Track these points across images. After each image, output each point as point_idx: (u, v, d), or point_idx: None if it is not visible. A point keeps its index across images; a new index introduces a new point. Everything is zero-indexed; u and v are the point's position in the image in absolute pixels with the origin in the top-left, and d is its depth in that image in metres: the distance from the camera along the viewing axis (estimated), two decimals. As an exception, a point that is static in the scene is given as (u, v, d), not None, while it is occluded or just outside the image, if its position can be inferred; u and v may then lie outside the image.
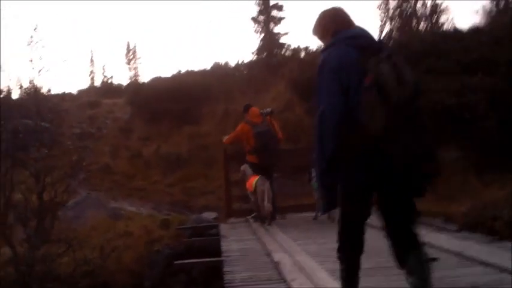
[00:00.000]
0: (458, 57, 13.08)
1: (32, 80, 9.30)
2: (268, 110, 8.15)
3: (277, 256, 5.01)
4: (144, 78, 39.89)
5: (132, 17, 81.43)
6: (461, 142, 10.59)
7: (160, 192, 13.05)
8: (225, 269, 4.88)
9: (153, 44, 77.74)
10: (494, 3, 21.56)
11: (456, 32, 16.20)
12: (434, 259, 4.26)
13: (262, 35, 23.32)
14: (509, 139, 9.93)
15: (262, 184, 7.37)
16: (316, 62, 2.94)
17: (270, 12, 23.38)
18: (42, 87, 13.52)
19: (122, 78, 50.92)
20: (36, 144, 7.79)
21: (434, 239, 5.28)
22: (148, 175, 14.26)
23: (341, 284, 2.98)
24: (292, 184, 10.03)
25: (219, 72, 21.68)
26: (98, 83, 41.25)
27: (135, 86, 26.67)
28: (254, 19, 23.51)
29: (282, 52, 23.19)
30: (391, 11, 23.93)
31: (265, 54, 22.67)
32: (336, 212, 2.91)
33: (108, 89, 29.58)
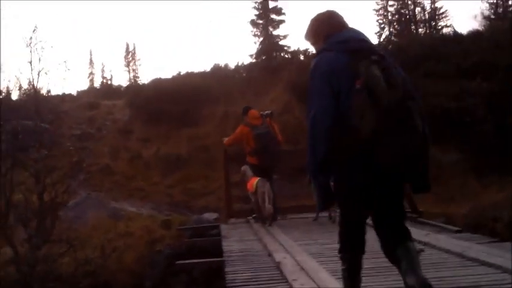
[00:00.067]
0: (458, 61, 13.16)
1: (32, 81, 9.32)
2: (268, 111, 8.17)
3: (279, 256, 5.01)
4: (144, 79, 39.87)
5: (132, 18, 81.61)
6: (460, 145, 10.67)
7: (161, 193, 13.02)
8: (227, 269, 4.88)
9: (153, 46, 77.67)
10: (492, 10, 21.74)
11: (456, 36, 16.27)
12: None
13: (261, 39, 23.35)
14: (507, 142, 10.01)
15: (262, 186, 7.38)
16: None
17: (268, 16, 23.38)
18: (41, 88, 13.57)
19: (121, 80, 50.91)
20: (36, 145, 7.81)
21: (435, 239, 5.33)
22: (148, 176, 14.24)
23: (343, 284, 3.02)
24: (292, 185, 10.06)
25: (219, 74, 21.72)
26: (97, 84, 41.33)
27: (134, 88, 26.69)
28: (253, 22, 23.54)
29: (281, 54, 23.23)
30: (389, 16, 24.06)
31: (264, 57, 22.68)
32: (337, 213, 2.95)
33: (107, 91, 29.54)
